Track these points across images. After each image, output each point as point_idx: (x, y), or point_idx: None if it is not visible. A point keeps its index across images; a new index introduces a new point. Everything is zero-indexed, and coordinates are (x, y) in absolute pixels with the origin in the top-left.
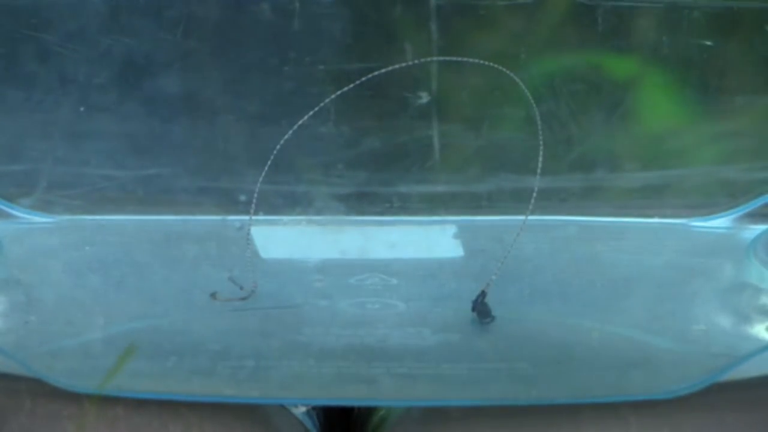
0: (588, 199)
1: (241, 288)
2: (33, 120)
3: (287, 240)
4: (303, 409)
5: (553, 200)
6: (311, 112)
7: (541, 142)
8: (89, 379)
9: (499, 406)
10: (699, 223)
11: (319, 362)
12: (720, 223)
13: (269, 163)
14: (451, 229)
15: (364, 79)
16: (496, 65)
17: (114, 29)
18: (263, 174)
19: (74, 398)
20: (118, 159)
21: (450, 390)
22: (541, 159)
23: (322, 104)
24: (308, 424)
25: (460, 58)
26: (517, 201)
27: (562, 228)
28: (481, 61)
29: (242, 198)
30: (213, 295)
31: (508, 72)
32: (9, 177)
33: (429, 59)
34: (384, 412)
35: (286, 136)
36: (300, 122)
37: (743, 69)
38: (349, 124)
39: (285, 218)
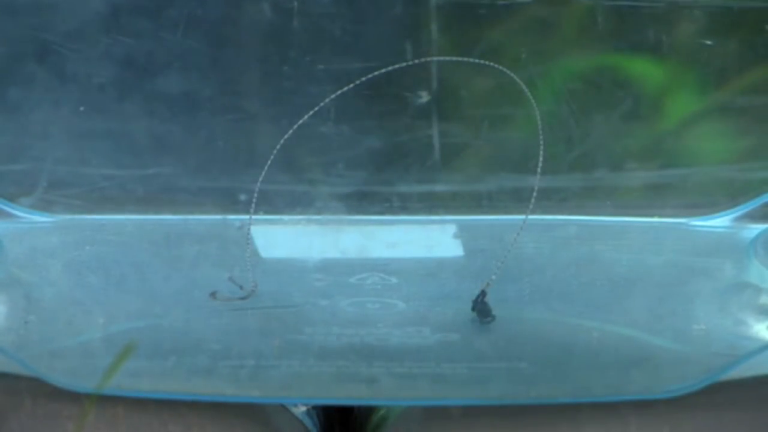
0: (588, 198)
1: (241, 288)
2: (33, 119)
3: (287, 240)
4: (303, 408)
5: (553, 200)
6: (311, 112)
7: (541, 142)
8: (89, 379)
9: (499, 405)
10: (699, 223)
11: (319, 362)
12: (720, 222)
13: (269, 162)
14: (451, 229)
15: (364, 79)
16: (496, 65)
17: (114, 29)
18: (263, 174)
19: (74, 398)
20: (118, 158)
21: (450, 389)
22: (541, 158)
23: (322, 104)
24: (308, 423)
25: (460, 58)
26: (517, 200)
27: (562, 228)
28: (481, 61)
29: (242, 197)
30: (213, 295)
31: (508, 72)
32: (9, 177)
33: (429, 59)
34: (384, 411)
35: (286, 136)
36: (300, 122)
37: (743, 68)
38: (349, 123)
39: (285, 218)
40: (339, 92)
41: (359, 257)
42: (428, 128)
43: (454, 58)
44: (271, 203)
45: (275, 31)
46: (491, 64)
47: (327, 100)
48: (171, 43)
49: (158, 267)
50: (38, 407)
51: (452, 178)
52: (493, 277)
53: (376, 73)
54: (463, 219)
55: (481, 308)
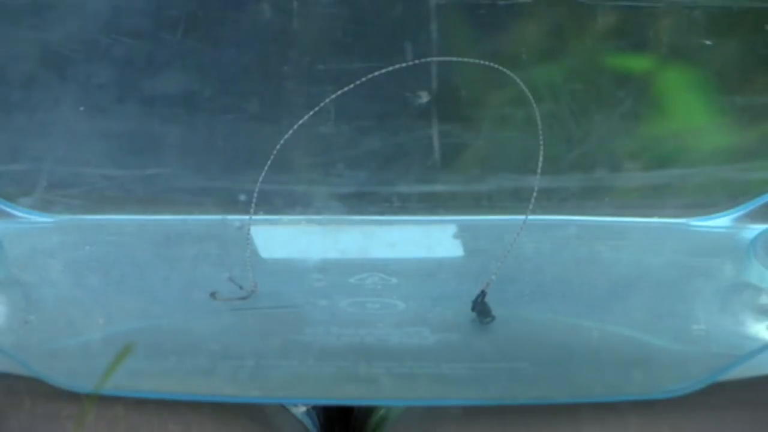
0: (588, 199)
1: (241, 288)
2: (33, 119)
3: (287, 240)
4: (303, 408)
5: (553, 200)
6: (311, 112)
7: (541, 142)
8: (89, 379)
9: (499, 406)
10: (699, 223)
11: (319, 362)
12: (720, 223)
13: (269, 162)
14: (451, 229)
15: (364, 79)
16: (496, 65)
17: (114, 29)
18: (263, 174)
19: (74, 398)
20: (117, 159)
21: (450, 390)
22: (541, 159)
23: (322, 104)
24: (308, 423)
25: (460, 58)
26: (517, 201)
27: (562, 228)
28: (481, 61)
29: (242, 198)
30: (213, 295)
31: (508, 72)
32: (9, 177)
33: (429, 59)
34: (384, 411)
35: (286, 136)
36: (300, 122)
37: (743, 68)
38: (349, 123)
39: (285, 218)
40: (339, 92)
41: (359, 257)
42: (428, 128)
43: (454, 58)
44: (271, 203)
45: (275, 31)
46: (491, 64)
47: (327, 100)
48: (171, 43)
49: (158, 267)
50: (38, 407)
51: (452, 178)
52: (493, 277)
53: (376, 73)
54: (463, 219)
55: (481, 308)
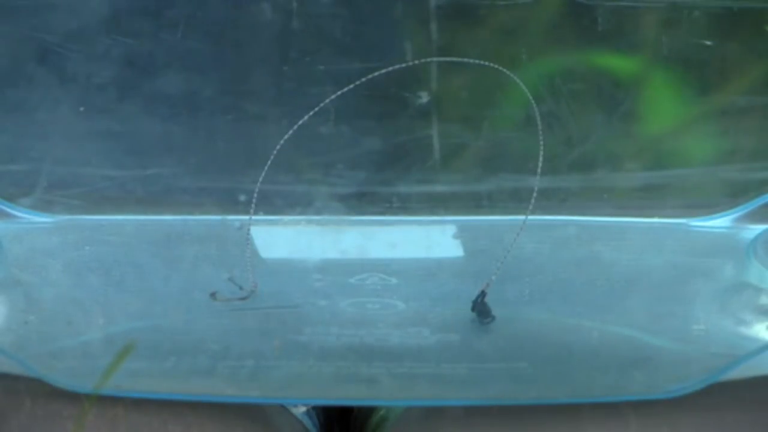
0: (588, 199)
1: (241, 288)
2: (33, 120)
3: (287, 240)
4: (303, 408)
5: (553, 200)
6: (311, 112)
7: (541, 142)
8: (89, 379)
9: (499, 406)
10: (699, 223)
11: (319, 362)
12: (720, 223)
13: (269, 163)
14: (451, 229)
15: (364, 79)
16: (496, 65)
17: (114, 29)
18: (263, 174)
19: (74, 398)
20: (118, 159)
21: (450, 390)
22: (541, 159)
23: (322, 104)
24: (308, 423)
25: (460, 58)
26: (517, 201)
27: (562, 228)
28: (481, 61)
29: (242, 198)
30: (213, 295)
31: (508, 72)
32: (9, 177)
33: (429, 59)
34: (384, 411)
35: (286, 136)
36: (300, 122)
37: (743, 69)
38: (349, 124)
39: (285, 218)
40: (339, 93)
41: (359, 257)
42: (428, 128)
43: (454, 59)
44: (271, 203)
45: (275, 32)
46: (491, 64)
47: (327, 100)
48: (171, 44)
49: (158, 267)
50: (38, 407)
51: (452, 178)
52: (493, 277)
53: (376, 73)
54: (463, 219)
55: (480, 309)
